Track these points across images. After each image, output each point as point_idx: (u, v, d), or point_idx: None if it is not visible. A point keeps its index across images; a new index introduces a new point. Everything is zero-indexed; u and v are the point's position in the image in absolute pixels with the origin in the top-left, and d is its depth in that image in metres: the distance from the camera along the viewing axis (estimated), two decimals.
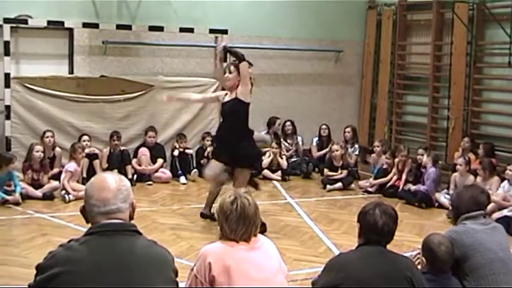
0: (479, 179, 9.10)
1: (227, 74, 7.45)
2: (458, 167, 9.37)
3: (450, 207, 4.83)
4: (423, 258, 4.17)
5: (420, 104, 12.09)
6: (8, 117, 9.88)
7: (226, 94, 7.64)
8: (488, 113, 11.03)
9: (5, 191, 8.75)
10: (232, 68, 7.47)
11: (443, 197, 9.37)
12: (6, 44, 9.71)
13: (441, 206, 9.24)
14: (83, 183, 9.12)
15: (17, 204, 8.69)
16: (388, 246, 3.81)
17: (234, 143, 7.45)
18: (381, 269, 3.62)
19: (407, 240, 7.24)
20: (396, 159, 10.20)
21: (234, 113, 7.49)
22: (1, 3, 9.83)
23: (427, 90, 11.69)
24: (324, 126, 11.87)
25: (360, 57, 13.05)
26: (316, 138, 11.91)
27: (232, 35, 11.27)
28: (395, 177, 10.10)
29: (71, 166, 9.37)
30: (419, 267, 4.08)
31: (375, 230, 3.74)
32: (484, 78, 11.01)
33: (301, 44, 12.19)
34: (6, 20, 9.70)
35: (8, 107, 9.87)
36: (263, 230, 6.50)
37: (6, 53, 9.72)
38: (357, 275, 3.58)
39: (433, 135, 11.59)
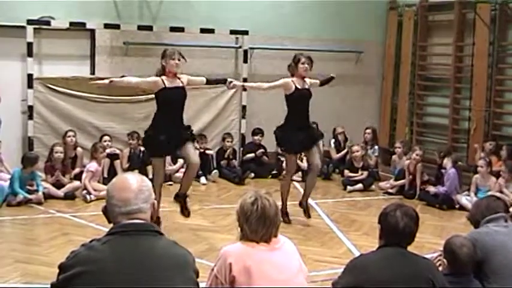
0: (501, 180, 9.05)
1: (178, 61, 7.30)
2: (479, 168, 9.31)
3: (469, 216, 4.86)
4: (444, 260, 4.15)
5: (441, 105, 12.01)
6: (30, 117, 10.00)
7: (163, 80, 7.26)
8: (510, 114, 10.94)
9: (28, 191, 8.84)
10: (180, 56, 7.38)
11: (464, 199, 9.31)
12: (29, 45, 9.82)
13: (462, 208, 9.17)
14: (104, 183, 9.20)
15: (39, 203, 8.78)
16: (409, 248, 3.79)
17: (180, 129, 7.45)
18: (402, 270, 3.61)
19: (428, 242, 7.21)
20: (407, 162, 10.15)
21: (183, 101, 7.41)
22: (24, 5, 9.93)
23: (448, 91, 11.62)
24: (339, 127, 11.85)
25: (380, 58, 12.99)
26: (333, 140, 11.88)
27: (253, 35, 11.30)
28: (409, 180, 10.09)
29: (92, 166, 9.44)
30: (440, 268, 4.06)
31: (396, 232, 3.73)
32: (506, 79, 10.93)
33: (322, 45, 12.14)
34: (30, 22, 9.81)
35: (30, 107, 9.98)
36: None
37: (29, 54, 9.84)
38: (378, 277, 3.57)
39: (454, 136, 11.52)
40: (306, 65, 8.04)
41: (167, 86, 7.24)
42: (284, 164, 8.63)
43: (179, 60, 7.32)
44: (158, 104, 7.36)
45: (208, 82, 8.14)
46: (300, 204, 8.31)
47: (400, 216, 3.74)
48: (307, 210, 8.25)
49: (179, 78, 7.40)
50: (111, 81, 7.33)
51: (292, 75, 8.11)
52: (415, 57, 12.24)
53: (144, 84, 7.46)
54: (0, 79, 9.78)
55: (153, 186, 3.09)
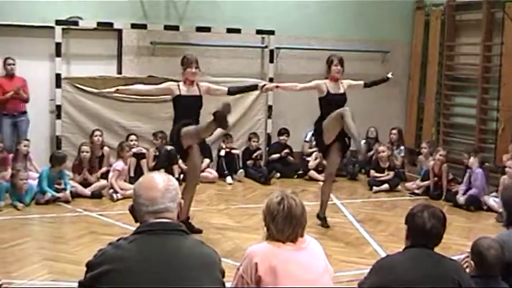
0: None
1: (196, 69, 7.34)
2: (507, 169, 9.20)
3: (501, 211, 4.77)
4: (472, 262, 4.11)
5: (469, 105, 11.90)
6: (58, 116, 10.11)
7: (179, 86, 7.35)
8: None
9: (56, 189, 8.93)
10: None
11: (492, 200, 9.22)
12: (58, 45, 9.94)
13: (490, 209, 9.08)
14: (131, 183, 9.27)
15: (66, 202, 8.87)
16: (436, 249, 3.76)
17: None
18: (429, 271, 3.59)
19: (455, 243, 7.15)
20: (431, 162, 10.06)
21: (198, 109, 7.41)
22: (53, 5, 10.05)
23: (475, 92, 11.51)
24: (372, 129, 11.81)
25: (407, 58, 12.91)
26: (364, 141, 11.81)
27: (279, 35, 11.30)
28: (435, 180, 10.01)
29: (119, 165, 9.51)
30: (467, 270, 4.03)
31: (423, 233, 3.70)
32: None
33: (348, 45, 12.08)
34: (58, 22, 9.93)
35: (58, 107, 10.09)
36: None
37: (58, 54, 9.96)
38: (405, 277, 3.55)
39: (482, 137, 11.40)
40: (339, 67, 7.91)
41: (182, 93, 7.30)
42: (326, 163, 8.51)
43: (196, 68, 7.36)
44: (174, 110, 7.44)
45: (231, 93, 7.85)
46: (318, 216, 8.13)
47: (428, 217, 3.71)
48: (324, 221, 8.09)
49: (198, 86, 7.44)
50: (117, 90, 7.43)
51: (326, 78, 7.99)
52: (442, 57, 12.14)
53: (157, 91, 7.57)
54: (29, 79, 9.92)
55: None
